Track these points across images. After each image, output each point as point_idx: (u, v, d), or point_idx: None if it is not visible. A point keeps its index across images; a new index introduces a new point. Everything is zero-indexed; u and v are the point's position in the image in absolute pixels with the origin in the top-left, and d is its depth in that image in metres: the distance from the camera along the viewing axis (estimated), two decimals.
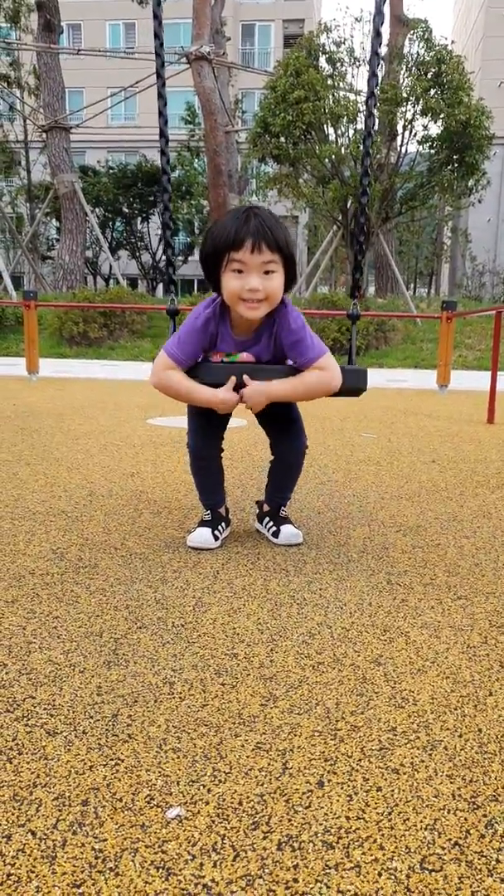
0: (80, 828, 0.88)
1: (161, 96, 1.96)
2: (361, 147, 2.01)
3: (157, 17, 1.90)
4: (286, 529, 2.10)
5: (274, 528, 2.13)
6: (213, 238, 1.81)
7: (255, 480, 2.94)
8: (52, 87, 17.82)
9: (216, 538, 2.05)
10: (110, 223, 24.61)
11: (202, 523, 2.11)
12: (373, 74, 2.04)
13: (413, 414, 5.60)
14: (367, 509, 2.52)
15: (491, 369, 5.52)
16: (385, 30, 17.32)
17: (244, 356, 1.96)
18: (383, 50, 14.69)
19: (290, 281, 1.86)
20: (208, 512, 2.13)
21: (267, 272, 1.79)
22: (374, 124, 2.02)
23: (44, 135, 18.81)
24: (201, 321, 1.91)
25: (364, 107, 13.29)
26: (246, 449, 3.72)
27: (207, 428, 2.08)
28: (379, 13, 1.96)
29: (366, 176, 2.09)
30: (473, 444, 4.08)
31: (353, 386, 2.01)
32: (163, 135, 1.99)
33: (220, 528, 2.09)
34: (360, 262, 2.07)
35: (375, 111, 2.00)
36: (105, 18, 33.43)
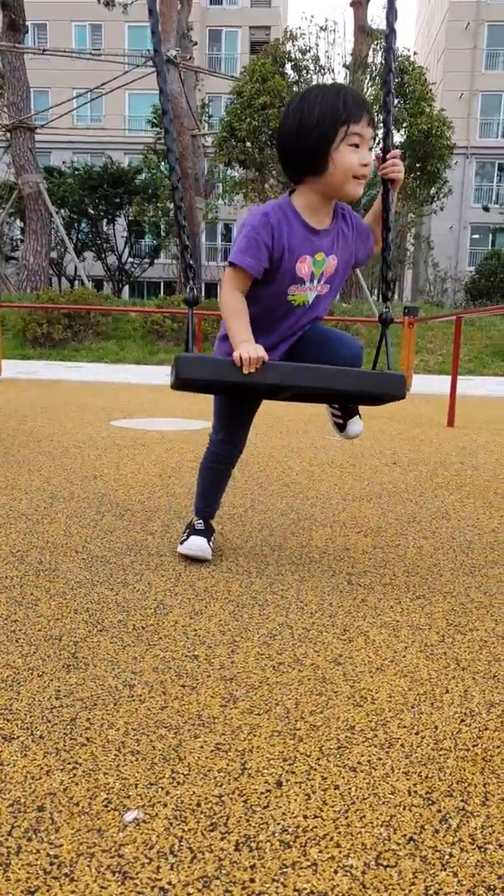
0: (36, 834, 0.87)
1: (162, 91, 1.80)
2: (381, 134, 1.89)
3: (152, 13, 1.81)
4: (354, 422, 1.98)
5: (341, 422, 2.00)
6: (321, 109, 1.64)
7: None
8: (16, 86, 17.60)
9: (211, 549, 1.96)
10: (76, 224, 24.36)
11: (195, 531, 1.98)
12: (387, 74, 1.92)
13: (375, 417, 5.66)
14: (329, 511, 2.54)
15: (451, 374, 5.62)
16: (349, 40, 17.55)
17: (330, 261, 1.77)
18: (347, 59, 14.89)
19: None
20: (201, 521, 2.01)
21: (370, 148, 1.71)
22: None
23: (7, 134, 18.55)
24: (263, 220, 1.69)
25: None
26: None
27: (238, 430, 1.96)
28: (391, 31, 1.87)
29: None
30: (433, 447, 4.15)
31: (393, 393, 1.76)
32: (168, 132, 1.83)
33: (212, 539, 2.00)
34: (388, 259, 1.90)
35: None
36: (71, 19, 33.13)
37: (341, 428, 2.00)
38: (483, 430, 5.10)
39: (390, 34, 1.84)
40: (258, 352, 1.65)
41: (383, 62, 1.90)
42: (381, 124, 1.86)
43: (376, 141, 1.88)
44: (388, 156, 1.80)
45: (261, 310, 1.76)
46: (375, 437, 4.48)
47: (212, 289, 26.93)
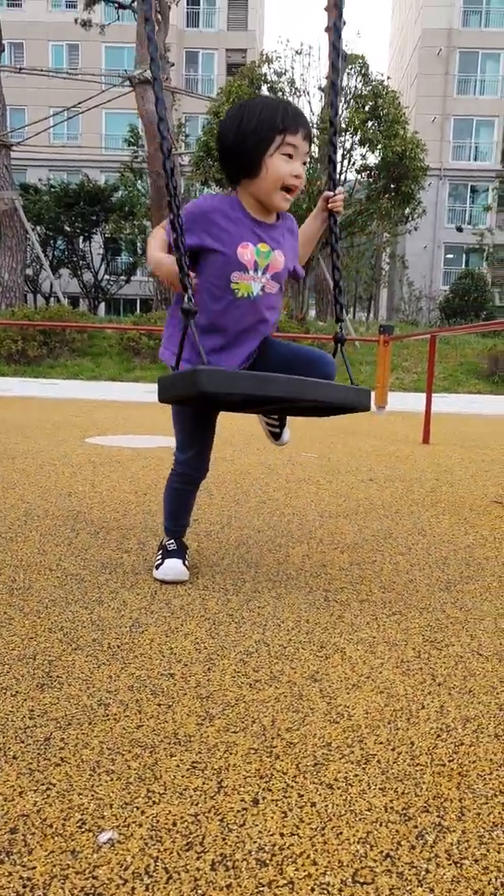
0: (8, 856, 0.85)
1: (158, 99, 1.79)
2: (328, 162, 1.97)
3: (148, 21, 1.82)
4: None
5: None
6: (260, 117, 1.68)
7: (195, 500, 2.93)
8: None
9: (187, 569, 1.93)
10: (52, 241, 24.35)
11: (169, 553, 1.94)
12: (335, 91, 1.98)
13: (352, 434, 5.71)
14: (306, 527, 2.55)
15: (426, 391, 5.70)
16: (324, 63, 17.89)
17: (277, 256, 1.77)
18: (323, 82, 15.16)
19: None
20: (172, 541, 1.98)
21: (304, 163, 1.76)
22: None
23: None
24: (201, 200, 1.75)
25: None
26: None
27: (206, 446, 1.93)
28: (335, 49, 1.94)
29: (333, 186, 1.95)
30: (409, 464, 4.19)
31: (361, 404, 1.82)
32: (164, 137, 1.81)
33: (186, 558, 1.96)
34: (339, 282, 1.98)
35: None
36: (48, 39, 33.36)
37: (276, 437, 2.15)
38: (458, 447, 5.17)
39: (335, 82, 1.94)
40: (172, 266, 1.65)
41: (331, 107, 1.98)
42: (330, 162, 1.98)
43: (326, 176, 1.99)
44: (336, 190, 1.91)
45: (206, 298, 1.74)
46: (352, 454, 4.51)
47: None
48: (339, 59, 1.93)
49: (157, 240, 1.77)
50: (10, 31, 24.72)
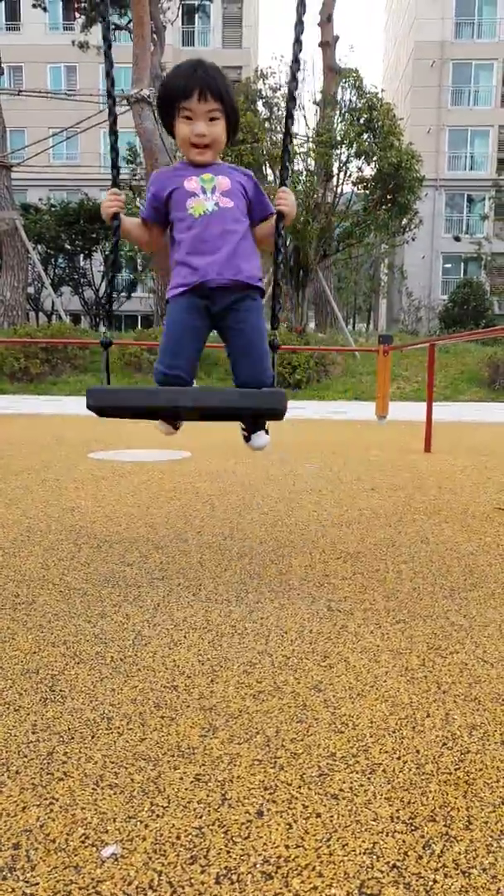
0: (11, 872, 0.85)
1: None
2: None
3: (108, 58, 2.06)
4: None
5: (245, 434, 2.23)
6: (164, 89, 2.00)
7: (198, 511, 2.93)
8: None
9: (176, 428, 2.15)
10: (52, 260, 24.49)
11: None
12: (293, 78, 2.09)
13: (353, 444, 5.71)
14: (308, 537, 2.55)
15: (427, 400, 5.70)
16: (318, 78, 18.08)
17: (220, 179, 2.01)
18: (317, 96, 15.31)
19: (232, 129, 2.05)
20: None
21: (212, 119, 1.98)
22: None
23: None
24: (158, 172, 2.09)
25: (300, 149, 13.77)
26: (190, 481, 3.71)
27: (179, 345, 2.02)
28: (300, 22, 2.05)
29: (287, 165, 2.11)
30: (411, 472, 4.18)
31: (271, 407, 1.92)
32: (115, 171, 2.13)
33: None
34: (278, 294, 2.11)
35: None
36: (46, 61, 33.82)
37: (247, 440, 2.22)
38: (459, 455, 5.16)
39: (289, 101, 2.08)
40: (109, 198, 2.04)
41: (285, 111, 2.10)
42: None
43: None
44: (278, 191, 2.03)
45: (179, 230, 2.02)
46: (354, 464, 4.50)
47: None
48: (297, 65, 2.07)
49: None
50: (9, 54, 25.04)
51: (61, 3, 24.32)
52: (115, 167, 2.13)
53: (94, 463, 4.36)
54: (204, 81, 1.94)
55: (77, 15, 24.51)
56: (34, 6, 22.86)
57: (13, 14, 33.20)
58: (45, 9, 23.42)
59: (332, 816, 0.97)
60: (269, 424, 2.18)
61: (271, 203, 2.07)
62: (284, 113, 2.05)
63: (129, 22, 20.28)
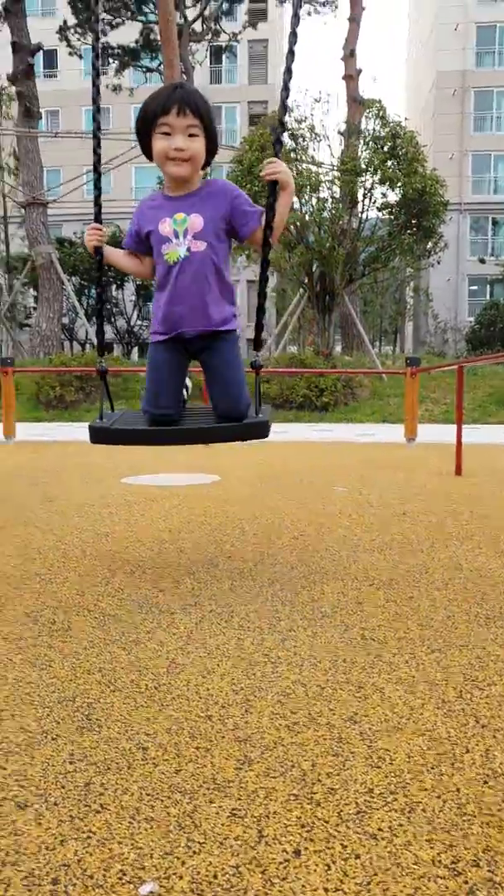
0: None
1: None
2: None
3: (96, 154, 2.20)
4: None
5: None
6: (144, 108, 2.05)
7: (228, 537, 2.93)
8: (31, 167, 18.59)
9: None
10: (86, 291, 25.01)
11: None
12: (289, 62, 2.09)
13: (383, 467, 5.67)
14: (340, 563, 2.53)
15: (456, 422, 5.65)
16: (342, 109, 18.41)
17: (193, 219, 2.07)
18: (342, 126, 15.54)
19: (210, 150, 2.10)
20: None
21: (191, 135, 2.02)
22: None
23: (22, 210, 19.32)
24: (139, 208, 2.19)
25: (325, 177, 13.93)
26: (220, 505, 3.72)
27: (161, 386, 2.20)
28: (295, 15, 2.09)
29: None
30: (442, 496, 4.14)
31: (256, 436, 2.23)
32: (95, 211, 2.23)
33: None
34: (261, 320, 2.24)
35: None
36: (81, 104, 35.07)
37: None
38: (491, 479, 5.09)
39: (288, 55, 2.08)
40: (90, 232, 2.16)
41: (282, 83, 2.11)
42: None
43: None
44: (265, 163, 2.07)
45: (158, 272, 2.15)
46: (383, 488, 4.47)
47: None
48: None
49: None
50: (47, 99, 26.08)
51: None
52: (96, 203, 2.24)
53: (126, 488, 4.40)
54: (183, 98, 1.99)
55: (110, 61, 25.53)
56: (70, 54, 24.04)
57: (51, 63, 34.87)
58: (80, 56, 24.77)
59: (371, 858, 0.95)
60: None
61: (255, 206, 2.14)
62: (284, 76, 2.08)
63: (159, 65, 20.92)
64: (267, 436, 2.20)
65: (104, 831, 0.99)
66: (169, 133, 2.01)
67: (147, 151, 2.11)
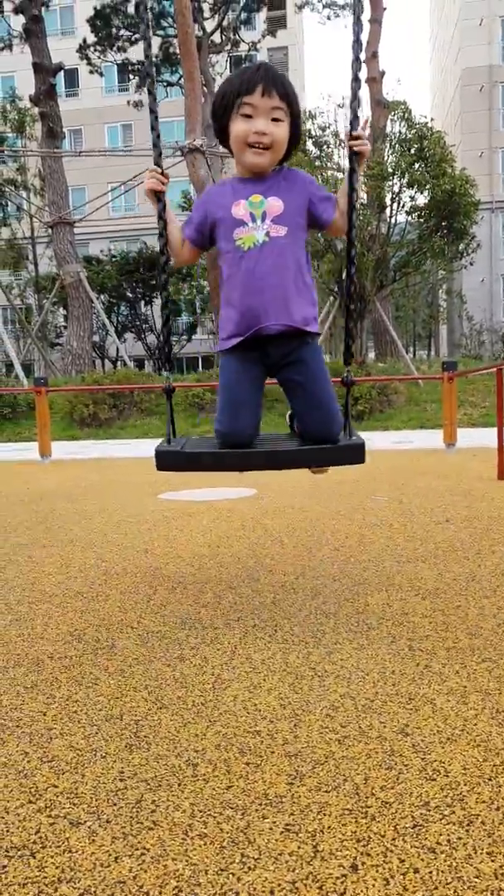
0: None
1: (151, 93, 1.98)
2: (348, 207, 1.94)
3: (153, 112, 1.98)
4: None
5: None
6: (224, 87, 1.84)
7: (268, 551, 2.93)
8: (56, 187, 18.92)
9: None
10: (115, 308, 25.42)
11: None
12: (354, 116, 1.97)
13: (422, 474, 5.59)
14: (383, 573, 2.50)
15: (497, 425, 5.55)
16: (367, 112, 18.33)
17: (272, 201, 1.85)
18: (367, 131, 15.52)
19: (294, 139, 1.87)
20: None
21: (274, 119, 1.80)
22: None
23: (49, 230, 19.72)
24: (206, 194, 1.98)
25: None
26: (258, 518, 3.71)
27: (239, 404, 1.91)
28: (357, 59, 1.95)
29: (352, 228, 1.97)
30: (486, 502, 4.06)
31: (350, 462, 1.95)
32: (157, 221, 2.03)
33: None
34: (352, 328, 2.01)
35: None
36: (104, 122, 35.76)
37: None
38: None
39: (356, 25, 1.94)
40: (151, 174, 1.91)
41: (352, 53, 1.96)
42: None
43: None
44: (353, 132, 1.89)
45: (228, 264, 1.89)
46: (424, 495, 4.41)
47: None
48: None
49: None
50: (70, 119, 26.65)
51: (115, 67, 25.73)
52: (156, 147, 1.97)
53: (163, 504, 4.43)
54: (269, 77, 1.79)
55: (131, 77, 25.92)
56: (91, 72, 24.29)
57: (72, 82, 35.47)
58: (101, 74, 24.84)
59: (430, 872, 0.93)
60: None
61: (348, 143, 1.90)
62: (352, 58, 1.93)
63: (180, 77, 21.21)
64: (364, 460, 1.92)
65: (158, 848, 0.99)
66: (251, 115, 1.78)
67: (223, 136, 1.88)
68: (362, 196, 14.47)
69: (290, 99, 1.81)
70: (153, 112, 1.98)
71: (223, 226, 1.88)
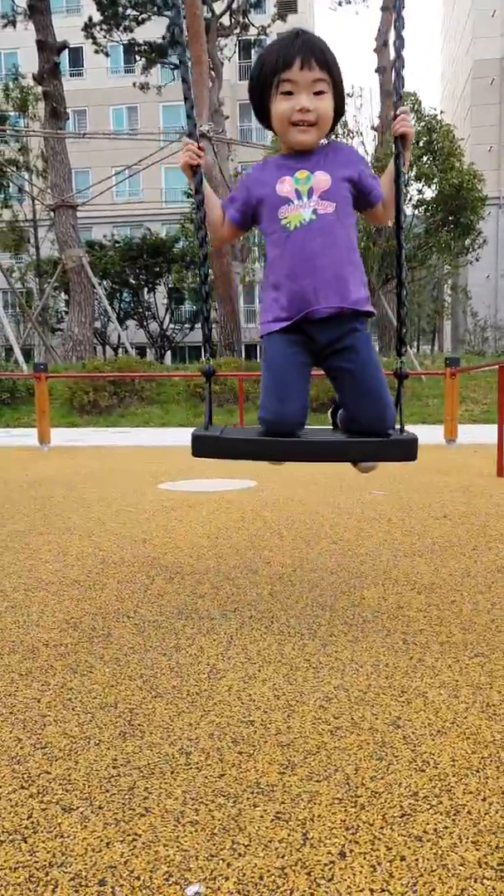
0: None
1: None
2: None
3: (186, 82, 1.87)
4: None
5: None
6: (260, 62, 1.72)
7: (266, 542, 2.94)
8: (59, 169, 18.70)
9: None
10: (118, 294, 25.32)
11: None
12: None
13: (422, 469, 5.60)
14: (380, 567, 2.51)
15: (497, 422, 5.55)
16: (376, 104, 18.21)
17: (319, 176, 1.74)
18: (375, 121, 15.43)
19: (338, 111, 1.77)
20: None
21: (317, 92, 1.69)
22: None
23: (51, 213, 19.60)
24: (249, 175, 1.86)
25: None
26: (257, 510, 3.73)
27: (286, 388, 1.77)
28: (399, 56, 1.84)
29: (399, 213, 1.87)
30: (484, 498, 4.07)
31: (401, 458, 1.80)
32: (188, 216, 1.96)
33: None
34: (403, 316, 1.87)
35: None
36: (108, 104, 35.40)
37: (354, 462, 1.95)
38: None
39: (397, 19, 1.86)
40: (187, 148, 1.80)
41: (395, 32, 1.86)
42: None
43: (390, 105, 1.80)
44: (397, 112, 1.80)
45: (273, 244, 1.79)
46: (424, 490, 4.42)
47: (251, 350, 27.45)
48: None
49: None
50: (73, 99, 26.36)
51: (122, 47, 25.39)
52: (190, 118, 1.87)
53: (163, 493, 4.44)
54: (307, 47, 1.66)
55: (137, 58, 25.63)
56: (96, 52, 23.90)
57: (76, 61, 34.98)
58: (107, 54, 24.33)
59: (416, 860, 0.94)
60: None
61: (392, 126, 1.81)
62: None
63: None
64: (416, 458, 1.77)
65: (149, 834, 1.01)
66: (291, 92, 1.67)
67: (263, 115, 1.77)
68: None
69: (330, 67, 1.70)
70: (186, 84, 1.85)
71: (268, 204, 1.78)
